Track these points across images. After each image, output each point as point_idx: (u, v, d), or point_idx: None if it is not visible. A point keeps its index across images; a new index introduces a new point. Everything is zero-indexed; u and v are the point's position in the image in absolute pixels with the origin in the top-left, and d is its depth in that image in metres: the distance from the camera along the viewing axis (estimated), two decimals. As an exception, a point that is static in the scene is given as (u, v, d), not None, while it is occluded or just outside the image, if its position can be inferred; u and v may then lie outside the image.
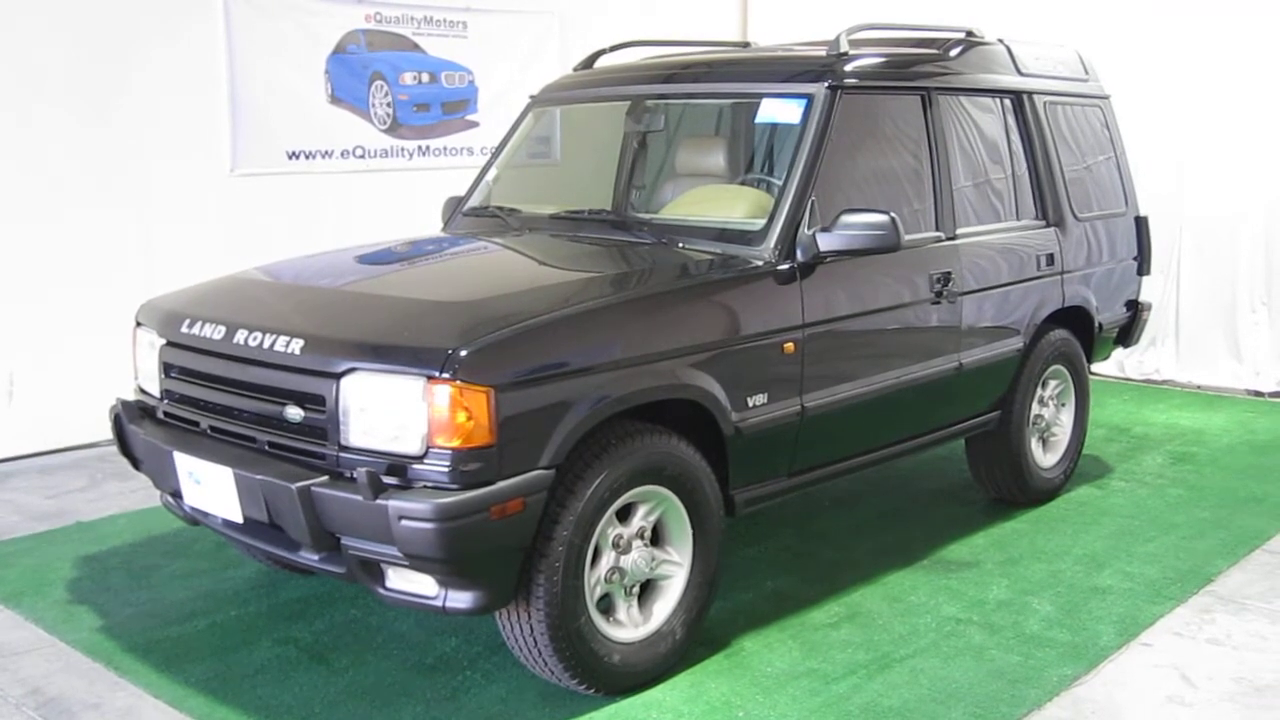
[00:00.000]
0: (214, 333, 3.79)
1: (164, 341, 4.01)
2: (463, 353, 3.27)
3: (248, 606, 4.41)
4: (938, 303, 4.67)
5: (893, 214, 4.07)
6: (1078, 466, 5.77)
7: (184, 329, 3.91)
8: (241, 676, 3.88)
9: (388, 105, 7.57)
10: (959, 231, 4.80)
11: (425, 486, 3.29)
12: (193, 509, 3.87)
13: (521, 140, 5.27)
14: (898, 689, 3.78)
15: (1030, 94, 5.31)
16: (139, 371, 4.22)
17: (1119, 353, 6.78)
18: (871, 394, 4.41)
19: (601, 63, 5.41)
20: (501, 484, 3.29)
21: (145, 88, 6.51)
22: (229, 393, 3.74)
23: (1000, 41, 5.32)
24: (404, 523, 3.22)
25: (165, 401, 4.03)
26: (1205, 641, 4.11)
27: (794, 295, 4.08)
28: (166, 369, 4.00)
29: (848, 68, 4.46)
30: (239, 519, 3.63)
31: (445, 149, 7.89)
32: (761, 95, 4.48)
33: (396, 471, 3.33)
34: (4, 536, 5.16)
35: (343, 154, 7.39)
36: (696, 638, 3.96)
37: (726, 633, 4.16)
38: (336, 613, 4.34)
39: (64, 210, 6.28)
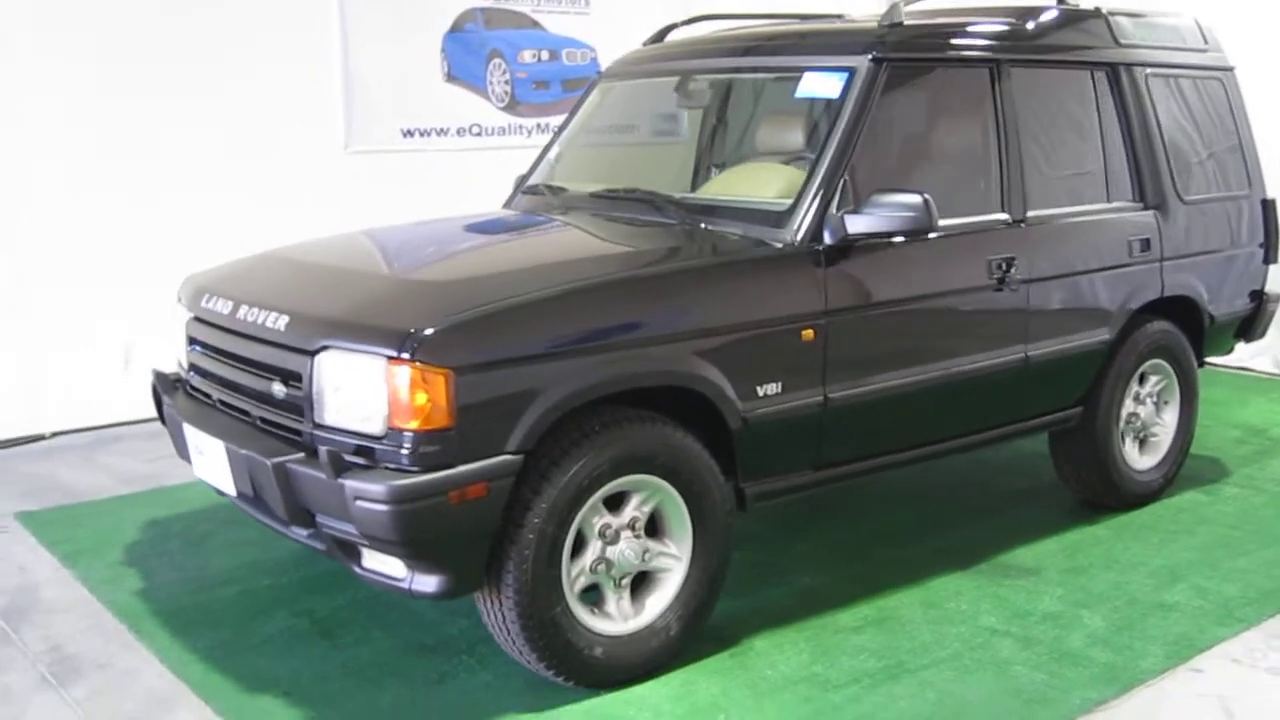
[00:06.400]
0: (223, 307, 3.85)
1: (190, 315, 4.10)
2: (422, 333, 3.21)
3: (282, 577, 4.47)
4: (999, 290, 4.35)
5: (926, 195, 3.81)
6: (1186, 469, 5.32)
7: (203, 303, 3.98)
8: (248, 646, 3.94)
9: (505, 83, 7.59)
10: (1030, 214, 4.47)
11: (387, 468, 3.25)
12: (201, 479, 3.95)
13: (588, 116, 5.17)
14: (899, 702, 3.55)
15: (1128, 65, 4.89)
16: (181, 345, 4.33)
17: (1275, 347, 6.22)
18: (913, 386, 4.14)
19: (677, 36, 5.26)
20: (461, 468, 3.22)
21: (260, 66, 6.69)
22: (231, 367, 3.79)
23: (1098, 10, 4.92)
24: (359, 503, 3.20)
25: (190, 374, 4.12)
26: (1264, 670, 3.72)
27: (814, 280, 3.86)
28: (190, 342, 4.09)
29: (898, 39, 4.20)
30: (233, 492, 3.68)
31: (565, 126, 7.84)
32: (805, 69, 4.27)
33: (364, 452, 3.30)
34: (89, 497, 5.40)
35: (459, 132, 7.45)
36: (700, 634, 3.81)
37: (741, 630, 3.99)
38: (360, 588, 4.34)
39: (179, 190, 6.51)
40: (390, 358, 3.21)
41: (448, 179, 7.34)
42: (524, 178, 5.13)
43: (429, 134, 7.33)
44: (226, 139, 6.63)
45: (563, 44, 7.79)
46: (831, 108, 4.10)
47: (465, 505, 3.24)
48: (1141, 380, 5.05)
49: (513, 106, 7.64)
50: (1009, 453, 5.71)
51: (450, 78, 7.38)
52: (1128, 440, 5.04)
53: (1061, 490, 5.21)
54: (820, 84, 4.17)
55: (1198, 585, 4.32)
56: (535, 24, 7.67)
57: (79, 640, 4.01)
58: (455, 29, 7.34)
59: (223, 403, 3.86)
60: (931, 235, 4.03)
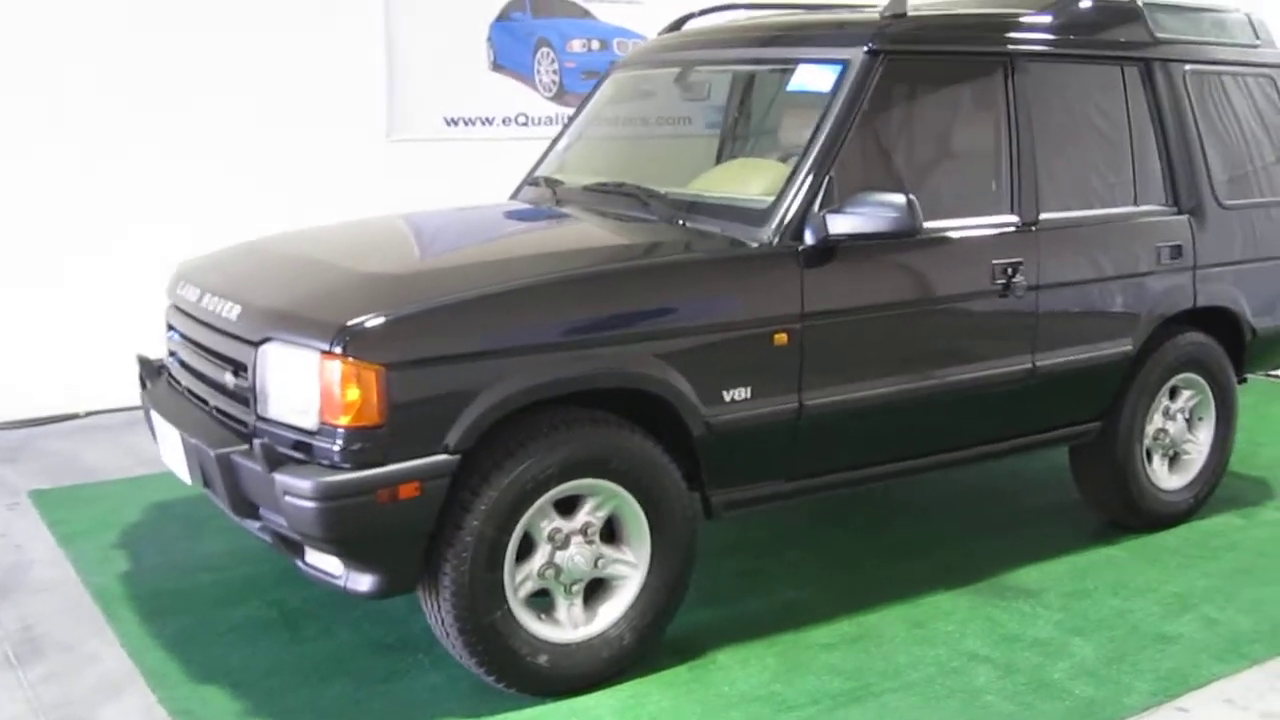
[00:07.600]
0: (192, 295, 3.83)
1: (170, 302, 4.09)
2: (355, 328, 3.14)
3: (263, 565, 4.44)
4: (1004, 296, 4.14)
5: (910, 195, 3.62)
6: (1228, 490, 5.05)
7: (178, 290, 3.98)
8: (210, 635, 3.92)
9: (554, 72, 7.50)
10: (1043, 217, 4.24)
11: (320, 464, 3.19)
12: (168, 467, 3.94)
13: (599, 108, 5.05)
14: (851, 727, 3.38)
15: (1164, 61, 4.61)
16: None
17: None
18: (900, 395, 3.95)
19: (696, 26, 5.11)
20: (392, 467, 3.14)
21: (301, 52, 6.70)
22: (195, 354, 3.77)
23: (1133, 2, 4.64)
24: (288, 498, 3.15)
25: (171, 360, 4.12)
26: (1257, 714, 3.46)
27: (791, 281, 3.69)
28: (168, 328, 4.08)
29: (899, 31, 4.00)
30: (189, 480, 3.66)
31: (616, 117, 7.74)
32: (801, 61, 4.10)
33: (301, 447, 3.24)
34: (103, 478, 5.47)
35: (504, 121, 7.39)
36: (657, 645, 3.68)
37: (708, 642, 3.85)
38: (337, 580, 4.31)
39: (220, 176, 6.55)
40: (323, 352, 3.15)
41: (492, 168, 7.22)
42: (531, 169, 5.03)
43: (473, 123, 7.28)
44: (267, 125, 6.66)
45: (613, 33, 7.68)
46: (819, 102, 3.92)
47: (396, 504, 3.16)
48: (1172, 395, 4.78)
49: (560, 96, 7.55)
50: (1040, 466, 5.46)
51: (496, 66, 7.32)
52: (1155, 458, 4.77)
53: (1087, 508, 4.96)
54: (813, 77, 4.00)
55: (1207, 616, 4.06)
56: (585, 13, 7.57)
57: (51, 621, 4.03)
58: (502, 17, 7.29)
59: (189, 391, 3.85)
60: (926, 237, 3.86)
